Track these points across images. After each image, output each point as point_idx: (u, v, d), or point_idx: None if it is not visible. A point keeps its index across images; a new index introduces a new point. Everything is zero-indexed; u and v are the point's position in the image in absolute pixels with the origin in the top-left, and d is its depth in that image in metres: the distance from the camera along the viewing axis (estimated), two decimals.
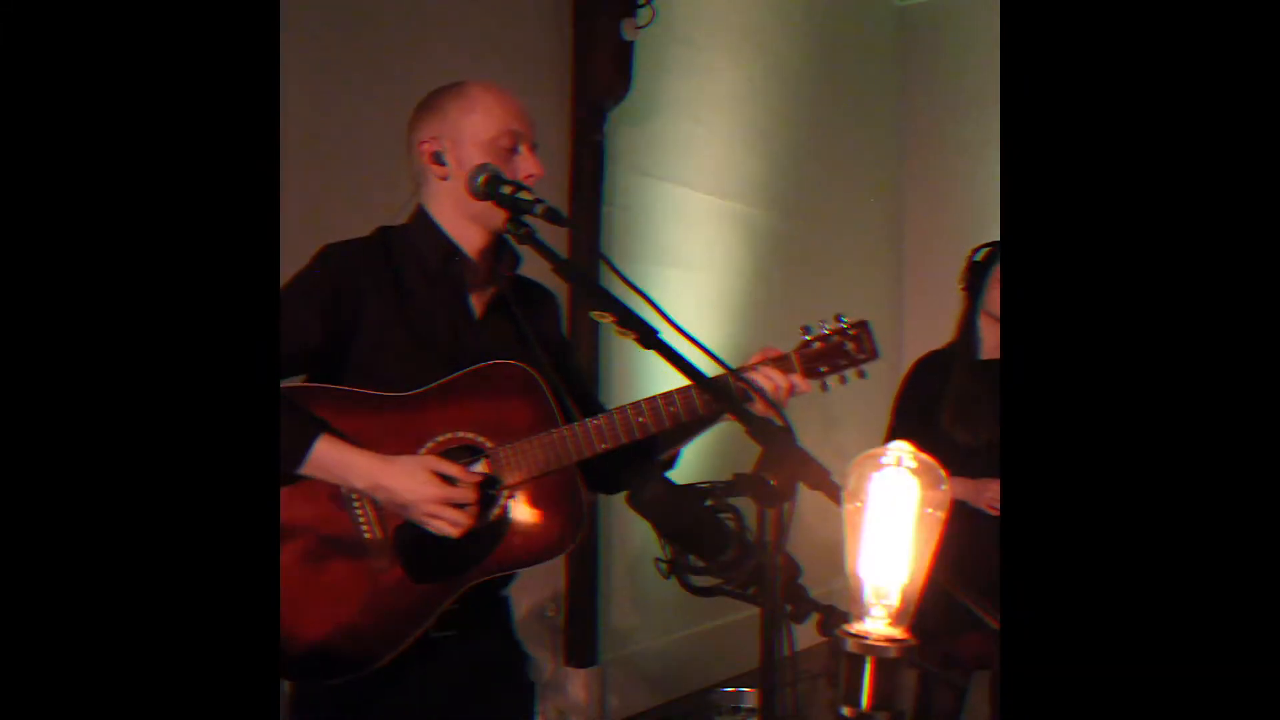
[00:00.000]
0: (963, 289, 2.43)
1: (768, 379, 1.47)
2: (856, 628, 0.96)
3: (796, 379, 1.49)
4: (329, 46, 2.66)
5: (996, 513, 2.24)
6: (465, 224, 1.52)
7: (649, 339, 1.27)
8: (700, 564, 1.12)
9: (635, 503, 1.11)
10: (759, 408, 1.40)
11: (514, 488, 1.45)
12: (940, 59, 5.17)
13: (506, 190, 1.42)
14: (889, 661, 0.93)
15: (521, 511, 1.45)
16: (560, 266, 1.35)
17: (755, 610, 1.07)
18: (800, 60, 4.54)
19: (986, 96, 4.43)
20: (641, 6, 3.36)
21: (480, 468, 1.44)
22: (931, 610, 0.99)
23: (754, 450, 1.09)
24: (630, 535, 3.52)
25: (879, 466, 0.98)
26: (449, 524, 1.38)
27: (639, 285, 1.25)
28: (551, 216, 1.39)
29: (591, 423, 1.44)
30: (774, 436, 1.09)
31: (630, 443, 1.46)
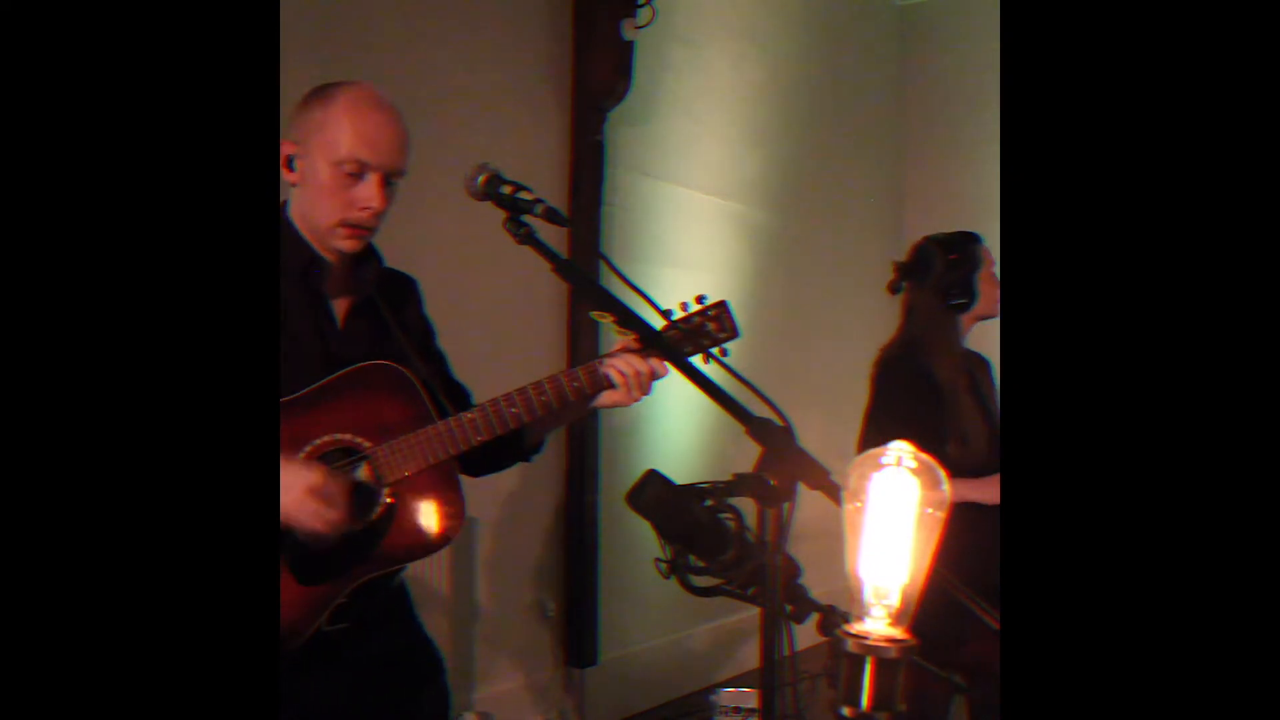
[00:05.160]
0: (952, 291, 2.34)
1: (627, 365, 1.51)
2: (856, 628, 0.96)
3: (655, 363, 1.53)
4: (329, 47, 2.66)
5: None
6: (324, 233, 1.51)
7: (649, 338, 1.27)
8: (700, 564, 1.12)
9: (635, 503, 1.11)
10: (618, 394, 1.52)
11: (394, 485, 1.46)
12: (940, 59, 5.17)
13: (506, 190, 1.41)
14: (889, 661, 0.93)
15: (403, 507, 1.47)
16: (560, 266, 1.35)
17: (755, 610, 1.07)
18: (800, 60, 4.54)
19: (986, 96, 4.44)
20: (641, 6, 3.36)
21: (361, 470, 1.46)
22: (932, 617, 0.99)
23: (754, 450, 1.09)
24: (630, 535, 3.52)
25: (879, 466, 0.98)
26: (320, 524, 1.38)
27: (639, 285, 1.25)
28: (551, 216, 1.38)
29: (466, 417, 1.47)
30: (774, 436, 1.09)
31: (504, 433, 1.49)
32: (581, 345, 3.40)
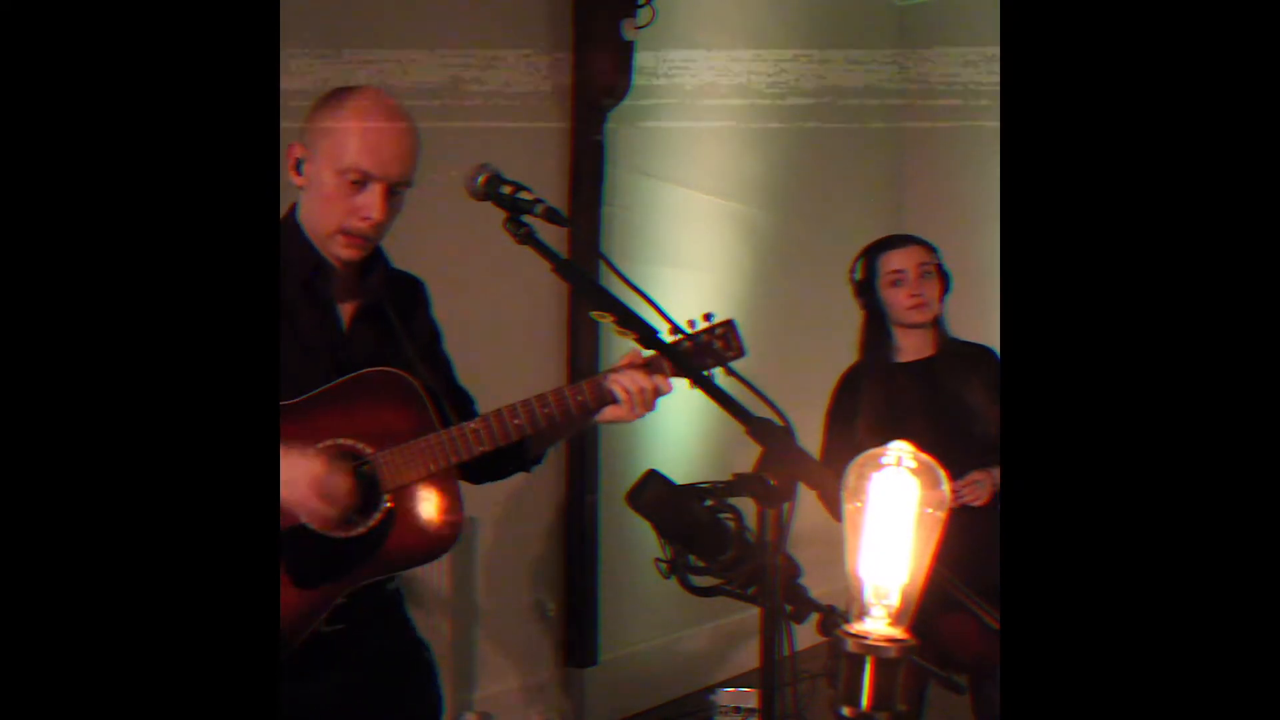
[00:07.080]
0: (860, 301, 2.40)
1: (631, 380, 1.51)
2: (856, 628, 0.96)
3: (660, 380, 1.52)
4: (329, 48, 2.66)
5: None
6: (324, 239, 1.50)
7: (649, 339, 1.27)
8: (700, 564, 1.12)
9: (635, 503, 1.11)
10: (621, 410, 1.52)
11: (394, 492, 1.46)
12: (940, 59, 5.16)
13: (506, 190, 1.41)
14: (889, 661, 0.93)
15: (402, 514, 1.47)
16: (560, 266, 1.35)
17: (755, 610, 1.07)
18: (800, 60, 4.54)
19: (986, 97, 4.44)
20: (641, 6, 3.36)
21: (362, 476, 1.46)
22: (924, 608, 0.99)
23: (754, 450, 1.09)
24: (630, 535, 3.52)
25: (879, 466, 0.98)
26: (319, 520, 1.39)
27: (639, 285, 1.25)
28: (551, 217, 1.38)
29: (469, 427, 1.47)
30: (774, 436, 1.09)
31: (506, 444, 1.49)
32: (581, 345, 3.40)
